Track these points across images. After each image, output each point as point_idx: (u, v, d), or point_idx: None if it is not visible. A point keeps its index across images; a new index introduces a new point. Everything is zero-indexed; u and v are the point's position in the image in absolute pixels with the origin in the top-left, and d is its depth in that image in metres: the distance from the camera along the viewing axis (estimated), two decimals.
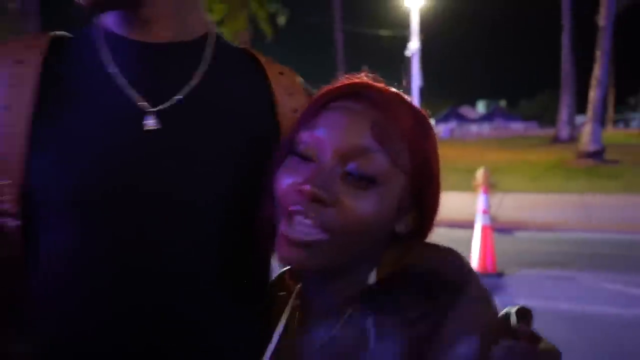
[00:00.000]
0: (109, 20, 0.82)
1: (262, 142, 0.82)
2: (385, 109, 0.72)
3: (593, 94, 15.93)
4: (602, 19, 15.78)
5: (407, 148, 0.72)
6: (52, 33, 0.83)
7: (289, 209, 0.70)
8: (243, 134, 0.82)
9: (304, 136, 0.73)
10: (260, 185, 0.78)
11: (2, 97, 0.76)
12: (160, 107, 0.78)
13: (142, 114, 0.77)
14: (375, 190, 0.70)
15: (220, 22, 32.32)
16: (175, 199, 0.76)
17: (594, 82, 15.93)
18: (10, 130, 0.75)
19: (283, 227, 0.71)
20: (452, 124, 51.86)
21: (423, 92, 16.98)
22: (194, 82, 0.81)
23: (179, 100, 0.79)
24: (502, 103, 77.13)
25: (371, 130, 0.70)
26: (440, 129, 48.97)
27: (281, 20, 33.61)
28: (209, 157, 0.78)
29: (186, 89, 0.80)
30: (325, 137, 0.71)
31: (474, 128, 51.79)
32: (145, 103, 0.78)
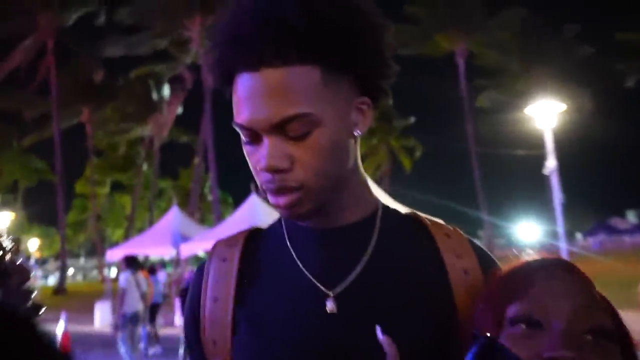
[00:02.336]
0: None
1: (437, 307, 0.80)
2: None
3: None
4: None
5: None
6: (251, 228, 0.93)
7: None
8: (418, 302, 0.80)
9: (523, 306, 0.71)
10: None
11: (212, 290, 0.86)
12: (337, 290, 0.80)
13: (322, 297, 0.80)
14: None
15: (362, 157, 33.29)
16: None
17: None
18: (218, 318, 0.83)
19: None
20: (601, 237, 47.67)
21: (566, 207, 16.07)
22: (365, 259, 0.82)
23: (352, 281, 0.81)
24: None
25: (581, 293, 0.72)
26: (589, 242, 45.19)
27: (417, 152, 34.34)
28: (388, 332, 0.77)
29: (358, 269, 0.82)
30: (557, 303, 0.70)
31: (626, 239, 47.14)
32: (324, 287, 0.81)
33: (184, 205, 26.55)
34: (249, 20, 0.74)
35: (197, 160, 27.66)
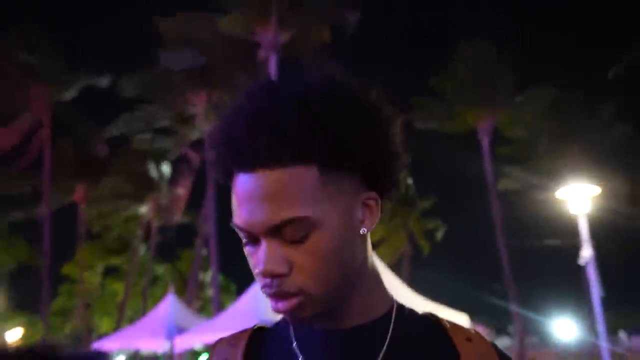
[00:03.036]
0: None
1: None
2: None
3: None
4: None
5: None
6: (255, 326, 0.95)
7: None
8: None
9: None
10: None
11: None
12: None
13: None
14: None
15: (380, 241, 33.09)
16: None
17: None
18: None
19: None
20: None
21: (606, 301, 15.70)
22: None
23: None
24: None
25: None
26: (634, 343, 43.63)
27: (439, 235, 34.08)
28: None
29: None
30: None
31: None
32: None
33: (181, 292, 26.26)
34: (245, 122, 0.78)
35: (197, 242, 27.64)
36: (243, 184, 0.79)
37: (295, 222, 0.76)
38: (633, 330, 52.99)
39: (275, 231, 0.77)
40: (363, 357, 0.83)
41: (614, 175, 26.09)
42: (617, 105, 29.89)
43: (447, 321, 0.91)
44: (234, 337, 0.92)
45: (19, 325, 40.57)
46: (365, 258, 0.86)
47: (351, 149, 0.78)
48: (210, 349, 0.93)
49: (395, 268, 22.62)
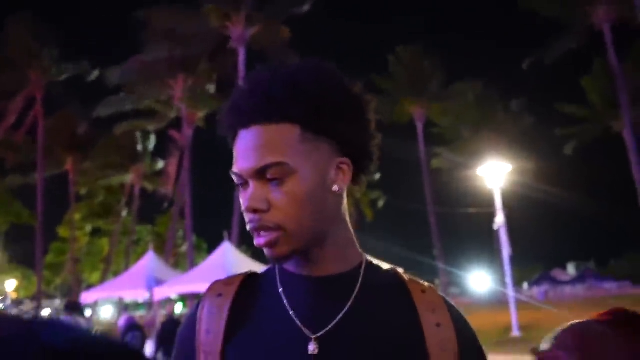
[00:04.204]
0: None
1: (411, 355, 0.83)
2: None
3: None
4: None
5: None
6: (248, 272, 0.95)
7: None
8: (393, 349, 0.83)
9: None
10: None
11: (206, 322, 0.88)
12: (319, 333, 0.83)
13: (306, 340, 0.83)
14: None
15: None
16: None
17: None
18: (210, 349, 0.86)
19: None
20: (545, 287, 48.16)
21: (513, 259, 16.28)
22: (347, 308, 0.85)
23: (335, 327, 0.84)
24: (592, 264, 71.47)
25: None
26: (534, 292, 45.56)
27: (380, 203, 34.63)
28: None
29: (340, 316, 0.85)
30: None
31: (567, 290, 47.74)
32: (308, 330, 0.83)
33: (160, 250, 25.93)
34: (246, 94, 0.86)
35: (174, 208, 27.25)
36: (241, 138, 0.85)
37: (276, 166, 0.81)
38: (533, 282, 55.19)
39: (260, 173, 0.82)
40: (336, 302, 0.86)
41: (523, 156, 26.90)
42: (527, 99, 30.87)
43: (407, 275, 0.94)
44: (229, 278, 0.94)
45: (14, 278, 39.42)
46: (338, 213, 0.89)
47: (327, 117, 0.84)
48: (207, 288, 0.94)
49: None
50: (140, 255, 23.28)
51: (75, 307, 8.75)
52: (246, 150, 0.83)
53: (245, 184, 0.84)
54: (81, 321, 8.49)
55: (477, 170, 17.53)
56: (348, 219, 0.92)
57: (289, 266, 0.90)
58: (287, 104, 0.82)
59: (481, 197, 26.97)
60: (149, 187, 31.39)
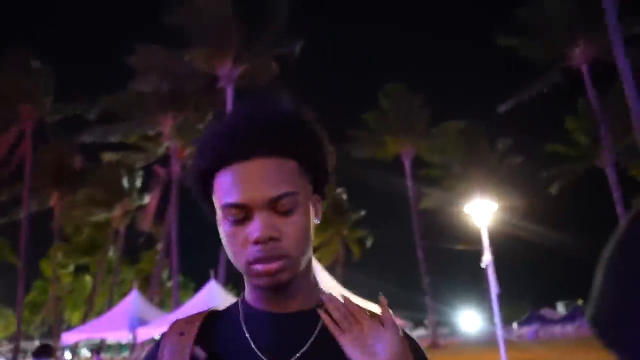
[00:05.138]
0: (250, 297, 0.94)
1: None
2: None
3: None
4: None
5: None
6: (209, 309, 0.97)
7: None
8: None
9: None
10: None
11: None
12: None
13: None
14: None
15: (320, 246, 33.14)
16: None
17: None
18: None
19: None
20: (535, 326, 47.84)
21: (502, 298, 16.25)
22: (309, 344, 0.89)
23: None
24: (580, 302, 71.45)
25: None
26: (524, 332, 45.14)
27: (368, 242, 34.57)
28: None
29: (303, 350, 0.88)
30: None
31: (557, 329, 47.45)
32: None
33: (144, 289, 25.44)
34: (247, 122, 0.88)
35: (159, 246, 26.91)
36: (240, 169, 0.86)
37: (289, 196, 0.84)
38: (523, 322, 54.75)
39: (272, 203, 0.84)
40: (299, 337, 0.89)
41: (509, 195, 27.15)
42: (512, 138, 31.35)
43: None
44: (190, 317, 0.95)
45: None
46: (311, 251, 0.93)
47: (312, 156, 0.91)
48: (169, 326, 0.94)
49: (331, 269, 22.69)
50: (123, 295, 22.82)
51: (44, 352, 8.47)
52: (254, 182, 0.85)
53: (244, 218, 0.85)
54: None
55: (464, 208, 17.62)
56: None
57: (253, 302, 0.92)
58: (289, 140, 0.87)
59: (469, 234, 27.03)
60: (136, 223, 31.09)
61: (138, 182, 30.87)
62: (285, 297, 0.90)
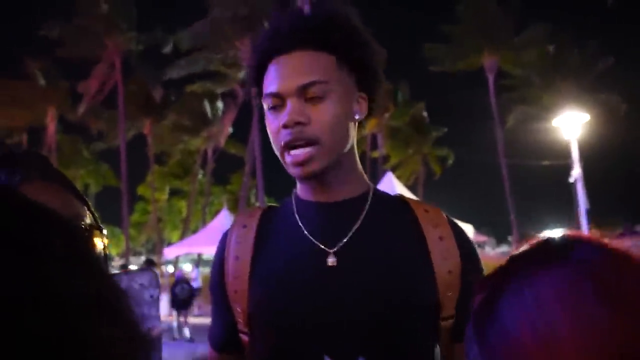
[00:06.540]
0: (300, 190, 1.01)
1: (416, 264, 0.93)
2: None
3: None
4: None
5: None
6: (267, 205, 1.07)
7: None
8: (401, 258, 0.93)
9: None
10: (414, 301, 0.91)
11: (234, 250, 0.98)
12: (336, 248, 0.92)
13: (323, 254, 0.92)
14: None
15: (399, 164, 32.90)
16: (350, 319, 0.89)
17: None
18: (239, 274, 0.96)
19: None
20: (629, 243, 45.93)
21: (592, 214, 15.55)
22: (357, 225, 0.95)
23: (348, 241, 0.93)
24: None
25: None
26: None
27: (449, 161, 33.86)
28: (373, 284, 0.90)
29: (352, 232, 0.94)
30: None
31: None
32: (324, 247, 0.93)
33: (233, 209, 26.86)
34: (289, 23, 0.94)
35: (246, 168, 27.94)
36: (280, 63, 0.92)
37: (318, 84, 0.89)
38: (616, 239, 52.54)
39: (302, 90, 0.89)
40: (347, 221, 0.95)
41: (600, 102, 25.20)
42: (602, 40, 28.47)
43: (411, 199, 1.03)
44: (251, 211, 1.06)
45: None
46: (353, 144, 0.98)
47: (351, 51, 0.94)
48: (234, 220, 1.05)
49: (412, 188, 22.66)
50: (215, 214, 24.24)
51: (151, 263, 9.83)
52: (288, 72, 0.91)
53: (279, 105, 0.91)
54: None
55: (552, 122, 16.65)
56: (355, 150, 1.01)
57: (304, 195, 0.99)
58: (328, 34, 0.92)
59: (556, 149, 25.67)
60: (223, 147, 32.31)
61: (221, 108, 31.73)
62: (329, 187, 0.95)
